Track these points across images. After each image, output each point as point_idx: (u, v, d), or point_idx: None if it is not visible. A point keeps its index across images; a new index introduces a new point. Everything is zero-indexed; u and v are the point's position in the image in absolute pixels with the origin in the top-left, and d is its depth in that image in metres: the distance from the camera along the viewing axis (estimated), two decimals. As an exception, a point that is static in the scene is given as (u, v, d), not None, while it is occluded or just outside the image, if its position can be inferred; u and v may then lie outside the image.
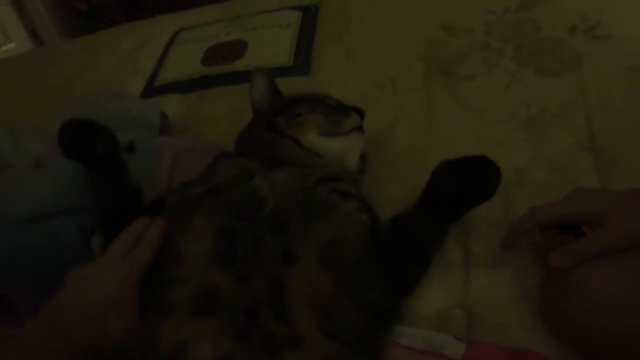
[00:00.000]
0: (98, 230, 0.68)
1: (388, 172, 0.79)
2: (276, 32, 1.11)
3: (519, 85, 0.85)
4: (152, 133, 0.89)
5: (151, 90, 1.08)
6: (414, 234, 0.59)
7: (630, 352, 0.49)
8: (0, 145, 0.89)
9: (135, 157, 0.77)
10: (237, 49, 1.09)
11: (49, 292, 0.52)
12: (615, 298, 0.50)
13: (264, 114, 0.75)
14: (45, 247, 0.67)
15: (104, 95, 0.98)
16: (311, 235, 0.55)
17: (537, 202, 0.68)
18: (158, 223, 0.57)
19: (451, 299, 0.64)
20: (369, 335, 0.54)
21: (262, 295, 0.50)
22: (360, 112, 0.73)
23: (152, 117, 0.90)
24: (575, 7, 0.96)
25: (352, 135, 0.71)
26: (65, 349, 0.48)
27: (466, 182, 0.56)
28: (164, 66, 1.12)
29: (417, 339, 0.61)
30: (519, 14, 0.99)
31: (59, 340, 0.48)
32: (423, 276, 0.62)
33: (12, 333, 0.54)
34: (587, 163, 0.72)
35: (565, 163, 0.74)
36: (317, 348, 0.48)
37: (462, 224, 0.65)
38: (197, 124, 0.97)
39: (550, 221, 0.58)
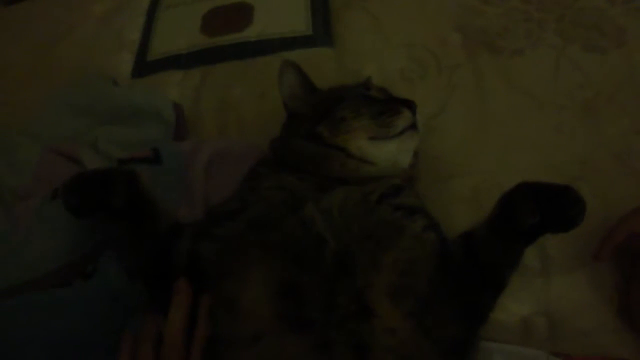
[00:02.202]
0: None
1: (444, 167, 0.76)
2: (284, -9, 0.99)
3: (567, 63, 0.83)
4: (168, 130, 0.79)
5: (144, 66, 0.95)
6: (488, 259, 0.55)
7: None
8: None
9: (162, 169, 0.69)
10: (242, 13, 0.97)
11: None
12: None
13: (300, 119, 0.68)
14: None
15: (98, 80, 0.86)
16: (380, 270, 0.52)
17: (605, 195, 0.71)
18: (204, 305, 0.52)
19: (533, 306, 0.65)
20: None
21: None
22: (411, 106, 0.66)
23: (165, 110, 0.80)
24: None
25: (406, 136, 0.65)
26: None
27: (547, 216, 0.51)
28: (154, 36, 0.99)
29: (512, 357, 0.62)
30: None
31: None
32: (497, 302, 0.59)
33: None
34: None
35: (623, 149, 0.74)
36: None
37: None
38: (209, 112, 0.87)
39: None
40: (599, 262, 0.62)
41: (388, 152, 0.64)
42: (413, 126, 0.66)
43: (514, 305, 0.64)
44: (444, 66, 0.86)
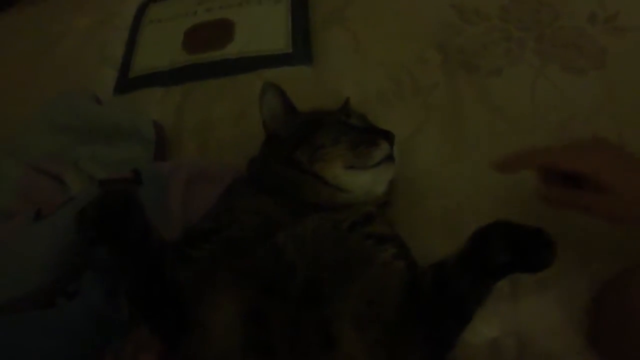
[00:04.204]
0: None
1: (417, 190, 0.77)
2: (265, 9, 1.01)
3: (545, 83, 0.84)
4: (148, 149, 0.81)
5: (126, 82, 0.97)
6: (457, 291, 0.57)
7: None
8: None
9: (142, 190, 0.71)
10: (223, 30, 0.99)
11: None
12: None
13: (279, 141, 0.70)
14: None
15: (80, 97, 0.87)
16: (347, 299, 0.53)
17: (576, 218, 0.72)
18: None
19: (502, 328, 0.67)
20: None
21: None
22: (389, 137, 0.69)
23: (145, 129, 0.82)
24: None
25: (382, 167, 0.67)
26: None
27: (518, 256, 0.53)
28: (137, 52, 1.00)
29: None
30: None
31: None
32: (462, 333, 0.60)
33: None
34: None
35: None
36: None
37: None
38: (190, 131, 0.89)
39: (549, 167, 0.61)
40: (495, 169, 0.63)
41: (363, 182, 0.66)
42: (390, 157, 0.67)
43: (483, 327, 0.66)
44: (421, 85, 0.88)
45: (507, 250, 0.52)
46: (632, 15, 0.89)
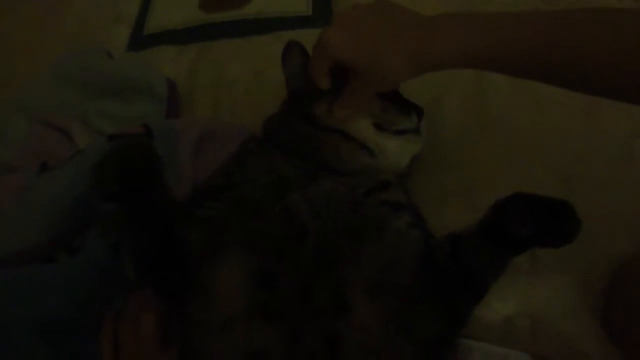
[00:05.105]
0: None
1: (438, 159, 0.75)
2: (286, -31, 0.98)
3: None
4: (160, 107, 0.79)
5: (140, 40, 0.96)
6: (473, 264, 0.55)
7: None
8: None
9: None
10: (242, -10, 0.95)
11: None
12: None
13: (300, 98, 0.67)
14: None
15: (94, 53, 0.86)
16: (361, 265, 0.52)
17: (599, 198, 0.70)
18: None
19: (517, 306, 0.65)
20: None
21: (317, 355, 0.48)
22: (419, 112, 0.67)
23: (157, 85, 0.80)
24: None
25: (410, 137, 0.65)
26: None
27: (541, 229, 0.52)
28: (151, 10, 0.99)
29: (493, 358, 0.62)
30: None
31: None
32: (476, 308, 0.59)
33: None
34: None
35: (623, 152, 0.73)
36: None
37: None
38: (203, 90, 0.87)
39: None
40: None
41: (390, 148, 0.63)
42: (416, 130, 0.66)
43: (498, 304, 0.64)
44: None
45: (529, 223, 0.51)
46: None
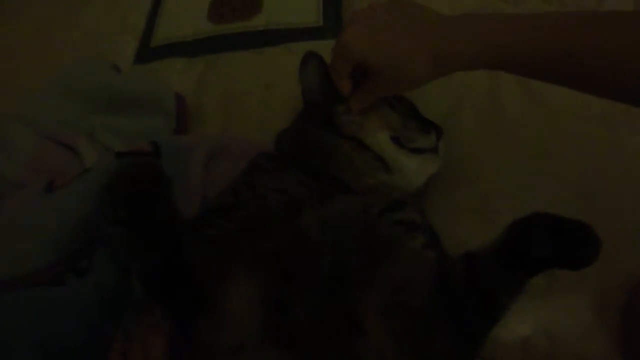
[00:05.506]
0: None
1: (450, 175, 0.73)
2: (294, -21, 0.97)
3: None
4: (169, 122, 0.78)
5: (147, 52, 0.95)
6: (490, 285, 0.54)
7: None
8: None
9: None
10: (250, 1, 0.94)
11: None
12: None
13: (317, 107, 0.66)
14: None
15: (99, 65, 0.84)
16: (374, 287, 0.51)
17: (618, 213, 0.69)
18: None
19: (534, 325, 0.64)
20: None
21: None
22: (438, 131, 0.66)
23: (165, 100, 0.79)
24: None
25: (428, 157, 0.64)
26: None
27: (561, 252, 0.50)
28: (159, 22, 0.98)
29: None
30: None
31: None
32: (490, 333, 0.57)
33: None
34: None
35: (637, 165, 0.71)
36: None
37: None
38: (212, 104, 0.86)
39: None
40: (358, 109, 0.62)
41: (407, 166, 0.62)
42: (434, 150, 0.65)
43: (516, 323, 0.63)
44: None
45: (548, 245, 0.49)
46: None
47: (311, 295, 0.49)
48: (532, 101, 0.79)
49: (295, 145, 0.65)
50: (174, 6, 1.00)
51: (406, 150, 0.62)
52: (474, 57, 0.52)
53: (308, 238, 0.52)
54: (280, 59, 0.85)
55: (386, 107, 0.64)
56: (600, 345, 0.61)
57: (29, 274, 0.59)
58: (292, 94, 0.72)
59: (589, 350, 0.61)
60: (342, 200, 0.56)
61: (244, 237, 0.53)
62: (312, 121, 0.65)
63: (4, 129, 0.77)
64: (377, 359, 0.48)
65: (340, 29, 0.90)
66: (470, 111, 0.79)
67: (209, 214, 0.57)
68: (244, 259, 0.51)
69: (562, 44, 0.49)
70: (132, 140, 0.76)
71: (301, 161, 0.62)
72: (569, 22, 0.50)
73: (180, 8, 1.00)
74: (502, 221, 0.53)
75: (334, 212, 0.54)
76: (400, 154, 0.62)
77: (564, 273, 0.63)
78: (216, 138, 0.74)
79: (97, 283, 0.59)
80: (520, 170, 0.72)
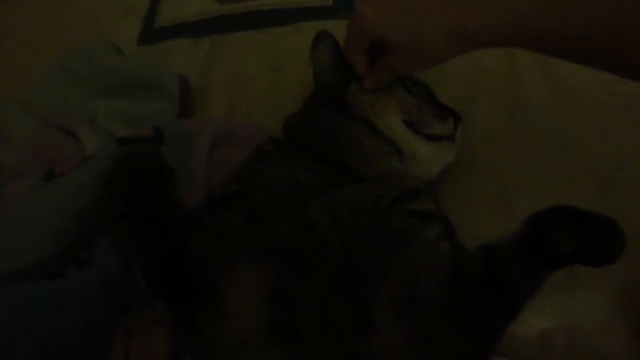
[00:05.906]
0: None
1: (469, 159, 0.70)
2: (302, -44, 0.93)
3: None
4: (172, 105, 0.76)
5: (151, 33, 0.92)
6: (508, 279, 0.51)
7: None
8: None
9: (164, 150, 0.65)
10: (258, -21, 0.91)
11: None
12: None
13: (329, 89, 0.64)
14: None
15: (101, 47, 0.82)
16: (386, 280, 0.48)
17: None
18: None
19: (553, 321, 0.62)
20: None
21: None
22: (456, 118, 0.63)
23: (170, 84, 0.76)
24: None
25: (444, 145, 0.62)
26: None
27: (584, 246, 0.48)
28: (163, 2, 0.95)
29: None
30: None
31: None
32: (506, 330, 0.55)
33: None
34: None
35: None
36: None
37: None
38: (218, 86, 0.83)
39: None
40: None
41: (421, 153, 0.60)
42: (451, 138, 0.62)
43: (534, 318, 0.61)
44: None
45: (570, 240, 0.47)
46: None
47: (319, 290, 0.47)
48: (553, 85, 0.76)
49: (304, 129, 0.62)
50: (179, -15, 0.98)
51: (420, 137, 0.60)
52: (499, 31, 0.50)
53: (316, 229, 0.49)
54: (288, 39, 0.83)
55: (401, 88, 0.61)
56: (619, 341, 0.59)
57: (28, 267, 0.57)
58: (300, 77, 0.69)
59: (608, 346, 0.60)
60: (353, 189, 0.53)
61: (249, 228, 0.51)
62: (323, 103, 0.63)
63: (2, 114, 0.75)
64: (389, 357, 0.46)
65: (350, 8, 0.88)
66: (487, 96, 0.76)
67: (213, 203, 0.55)
68: (249, 251, 0.49)
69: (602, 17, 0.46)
70: (135, 124, 0.74)
71: (310, 147, 0.60)
72: None
73: (185, -14, 0.97)
74: (520, 211, 0.50)
75: (343, 202, 0.51)
76: (414, 140, 0.59)
77: (583, 268, 0.62)
78: (221, 122, 0.71)
79: (100, 275, 0.58)
80: (539, 158, 0.70)
